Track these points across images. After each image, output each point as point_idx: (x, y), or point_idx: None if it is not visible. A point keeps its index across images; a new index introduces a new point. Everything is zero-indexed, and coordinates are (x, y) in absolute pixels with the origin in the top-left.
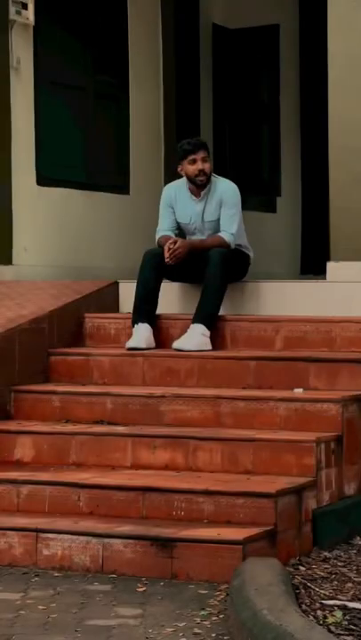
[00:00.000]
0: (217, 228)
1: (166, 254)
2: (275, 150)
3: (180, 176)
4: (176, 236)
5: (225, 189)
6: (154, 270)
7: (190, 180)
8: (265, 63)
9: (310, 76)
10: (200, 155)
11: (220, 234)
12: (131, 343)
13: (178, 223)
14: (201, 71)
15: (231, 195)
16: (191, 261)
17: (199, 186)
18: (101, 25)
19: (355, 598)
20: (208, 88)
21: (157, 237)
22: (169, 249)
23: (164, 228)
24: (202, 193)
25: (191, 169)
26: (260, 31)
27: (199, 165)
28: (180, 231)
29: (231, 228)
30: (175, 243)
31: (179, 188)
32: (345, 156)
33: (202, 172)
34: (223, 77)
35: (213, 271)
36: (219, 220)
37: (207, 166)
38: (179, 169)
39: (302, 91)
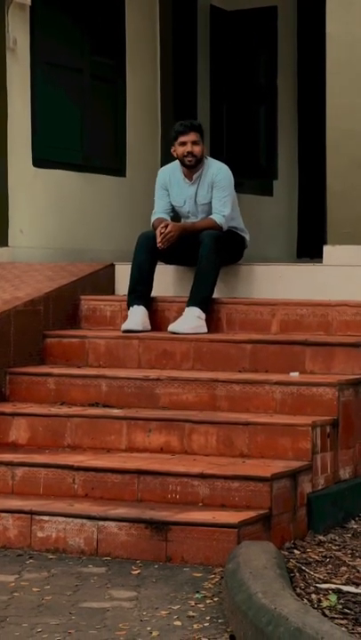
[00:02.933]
0: (210, 211)
1: (158, 238)
2: (272, 133)
3: (175, 158)
4: (172, 218)
5: (216, 171)
6: (148, 253)
7: (180, 161)
8: (262, 45)
9: (308, 59)
10: (191, 137)
11: (211, 216)
12: (126, 325)
13: (172, 206)
14: (198, 53)
15: (223, 177)
16: (184, 244)
17: (188, 167)
18: (98, 6)
19: (349, 582)
20: (205, 70)
21: (152, 220)
22: (160, 233)
23: (158, 211)
24: (194, 176)
25: (180, 150)
26: (257, 13)
27: (188, 147)
28: (176, 213)
29: (223, 209)
30: (167, 227)
31: (172, 171)
32: (342, 140)
33: (190, 153)
34: (220, 59)
35: (206, 253)
36: (211, 202)
37: (197, 149)
38: (172, 150)
39: (300, 73)
